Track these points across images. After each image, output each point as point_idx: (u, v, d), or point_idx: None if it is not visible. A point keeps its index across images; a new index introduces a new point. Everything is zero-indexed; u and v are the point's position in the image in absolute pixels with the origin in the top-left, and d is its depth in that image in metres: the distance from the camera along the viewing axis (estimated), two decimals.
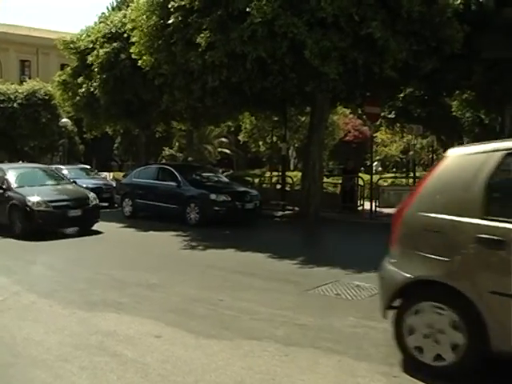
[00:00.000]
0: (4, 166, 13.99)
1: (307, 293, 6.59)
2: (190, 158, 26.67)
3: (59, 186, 12.75)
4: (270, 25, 10.68)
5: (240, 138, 33.54)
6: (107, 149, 37.10)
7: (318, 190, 14.42)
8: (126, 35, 15.47)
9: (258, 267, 8.16)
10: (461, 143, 26.87)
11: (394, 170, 39.48)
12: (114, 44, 16.76)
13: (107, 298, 6.37)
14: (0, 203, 11.70)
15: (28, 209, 11.21)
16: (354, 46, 10.89)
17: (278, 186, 18.27)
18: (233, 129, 33.84)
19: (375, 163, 32.44)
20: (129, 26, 14.48)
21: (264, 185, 20.05)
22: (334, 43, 10.67)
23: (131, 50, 13.68)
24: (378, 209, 14.93)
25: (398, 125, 23.63)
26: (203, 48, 11.24)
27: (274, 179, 20.74)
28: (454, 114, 20.27)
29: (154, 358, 4.41)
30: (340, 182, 17.87)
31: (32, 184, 12.08)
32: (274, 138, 27.62)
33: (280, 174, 19.86)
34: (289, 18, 10.64)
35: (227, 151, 41.99)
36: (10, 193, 11.67)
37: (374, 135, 31.09)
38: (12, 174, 12.23)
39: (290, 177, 18.68)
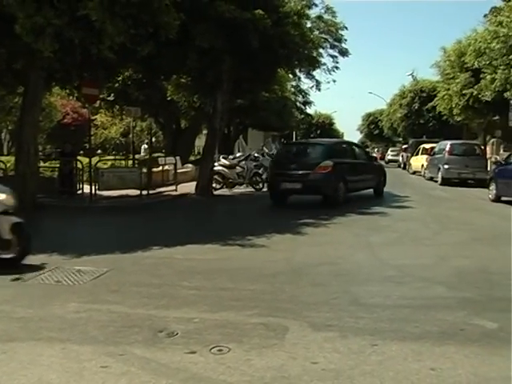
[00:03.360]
0: None
1: (25, 283, 6.19)
2: None
3: None
4: None
5: None
6: None
7: (33, 174, 13.58)
8: None
9: None
10: (178, 125, 28.20)
11: (114, 152, 39.40)
12: None
13: None
14: None
15: None
16: (70, 24, 10.45)
17: None
18: None
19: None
20: None
21: None
22: (49, 19, 10.09)
23: None
24: (98, 192, 14.71)
25: (118, 107, 23.65)
26: None
27: None
28: (172, 97, 21.02)
29: None
30: (58, 166, 17.12)
31: None
32: None
33: None
34: None
35: None
36: None
37: (94, 118, 30.55)
38: None
39: (3, 161, 17.24)
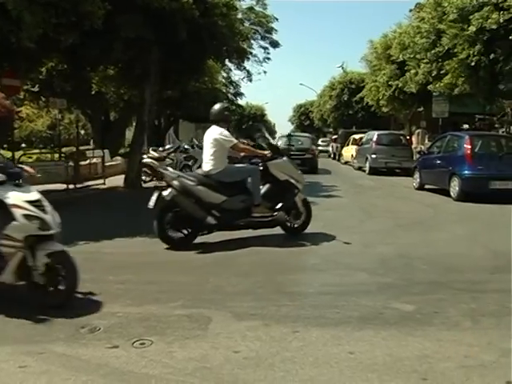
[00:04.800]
0: None
1: None
2: None
3: None
4: None
5: None
6: None
7: None
8: None
9: None
10: (107, 117, 27.62)
11: (42, 146, 38.11)
12: None
13: None
14: None
15: None
16: None
17: None
18: None
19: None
20: None
21: None
22: None
23: None
24: None
25: (44, 99, 22.91)
26: None
27: None
28: (99, 89, 20.55)
29: None
30: None
31: None
32: None
33: None
34: None
35: None
36: None
37: (19, 110, 29.40)
38: None
39: None
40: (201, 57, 16.07)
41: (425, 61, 19.80)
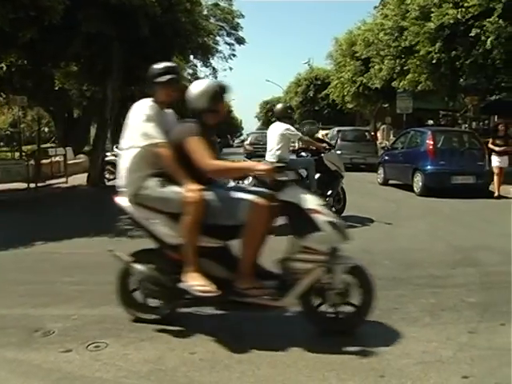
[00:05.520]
0: None
1: None
2: None
3: None
4: None
5: None
6: None
7: None
8: None
9: None
10: (71, 115, 27.15)
11: (2, 144, 37.20)
12: None
13: None
14: None
15: None
16: None
17: None
18: None
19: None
20: None
21: None
22: None
23: None
24: None
25: (4, 96, 22.37)
26: None
27: None
28: (62, 85, 20.17)
29: None
30: None
31: None
32: None
33: None
34: None
35: None
36: None
37: None
38: None
39: None
40: (164, 53, 15.86)
41: (388, 57, 19.97)
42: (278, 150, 8.67)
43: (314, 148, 9.22)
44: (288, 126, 8.76)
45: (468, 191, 12.73)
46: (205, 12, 18.33)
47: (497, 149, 13.14)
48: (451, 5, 13.95)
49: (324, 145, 9.37)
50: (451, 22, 13.76)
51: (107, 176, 16.66)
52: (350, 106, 29.42)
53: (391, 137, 27.13)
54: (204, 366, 3.67)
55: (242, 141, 48.98)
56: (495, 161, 13.17)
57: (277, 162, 7.86)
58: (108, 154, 16.73)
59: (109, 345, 4.01)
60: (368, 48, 22.73)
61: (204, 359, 3.76)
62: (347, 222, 9.67)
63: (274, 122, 9.14)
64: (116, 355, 3.84)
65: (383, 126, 30.68)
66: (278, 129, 8.78)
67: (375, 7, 27.30)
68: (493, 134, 13.74)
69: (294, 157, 9.42)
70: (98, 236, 8.16)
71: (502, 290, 5.33)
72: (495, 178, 13.08)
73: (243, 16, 20.37)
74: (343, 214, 9.33)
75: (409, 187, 13.98)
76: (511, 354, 3.74)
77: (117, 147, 18.29)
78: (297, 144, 10.83)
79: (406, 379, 3.47)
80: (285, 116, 8.98)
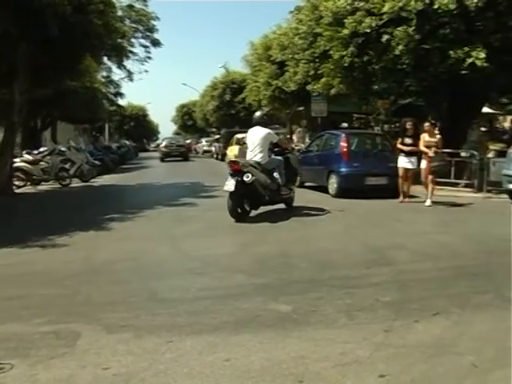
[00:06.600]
0: None
1: None
2: None
3: None
4: None
5: None
6: None
7: None
8: None
9: None
10: None
11: None
12: None
13: None
14: None
15: None
16: None
17: None
18: None
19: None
20: None
21: None
22: None
23: None
24: None
25: None
26: None
27: None
28: None
29: None
30: None
31: None
32: None
33: None
34: None
35: None
36: None
37: None
38: None
39: None
40: (75, 54, 15.36)
41: (303, 61, 20.22)
42: (260, 151, 10.18)
43: (285, 147, 11.18)
44: (269, 131, 10.57)
45: (381, 192, 13.06)
46: (119, 13, 17.86)
47: (405, 148, 12.52)
48: (364, 12, 14.27)
49: (292, 145, 11.30)
50: (366, 30, 14.07)
51: (16, 183, 15.90)
52: (266, 109, 29.64)
53: (307, 139, 27.50)
54: (118, 381, 3.49)
55: (158, 145, 52.92)
56: (402, 161, 12.55)
57: (260, 161, 10.02)
58: (17, 159, 15.97)
59: (14, 366, 3.73)
60: (283, 52, 22.96)
61: (118, 374, 3.58)
62: (263, 222, 9.79)
63: (253, 126, 10.61)
64: (23, 376, 3.58)
65: (299, 129, 31.08)
66: (260, 132, 10.38)
67: (290, 12, 27.63)
68: (401, 133, 13.09)
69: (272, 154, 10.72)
70: (6, 247, 7.71)
71: (415, 287, 5.49)
72: (399, 180, 12.60)
73: (158, 18, 20.03)
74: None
75: (324, 189, 14.21)
76: (425, 350, 3.84)
77: (28, 153, 17.53)
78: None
79: (324, 382, 3.46)
80: (262, 122, 10.69)
